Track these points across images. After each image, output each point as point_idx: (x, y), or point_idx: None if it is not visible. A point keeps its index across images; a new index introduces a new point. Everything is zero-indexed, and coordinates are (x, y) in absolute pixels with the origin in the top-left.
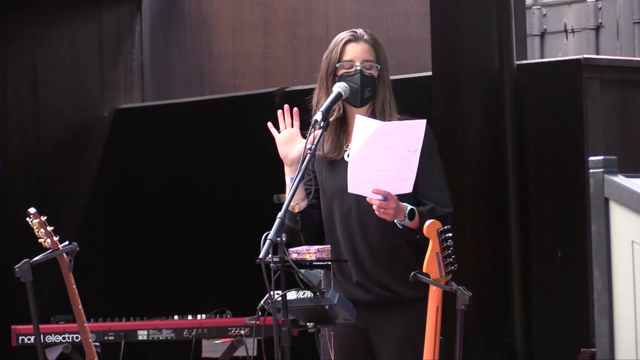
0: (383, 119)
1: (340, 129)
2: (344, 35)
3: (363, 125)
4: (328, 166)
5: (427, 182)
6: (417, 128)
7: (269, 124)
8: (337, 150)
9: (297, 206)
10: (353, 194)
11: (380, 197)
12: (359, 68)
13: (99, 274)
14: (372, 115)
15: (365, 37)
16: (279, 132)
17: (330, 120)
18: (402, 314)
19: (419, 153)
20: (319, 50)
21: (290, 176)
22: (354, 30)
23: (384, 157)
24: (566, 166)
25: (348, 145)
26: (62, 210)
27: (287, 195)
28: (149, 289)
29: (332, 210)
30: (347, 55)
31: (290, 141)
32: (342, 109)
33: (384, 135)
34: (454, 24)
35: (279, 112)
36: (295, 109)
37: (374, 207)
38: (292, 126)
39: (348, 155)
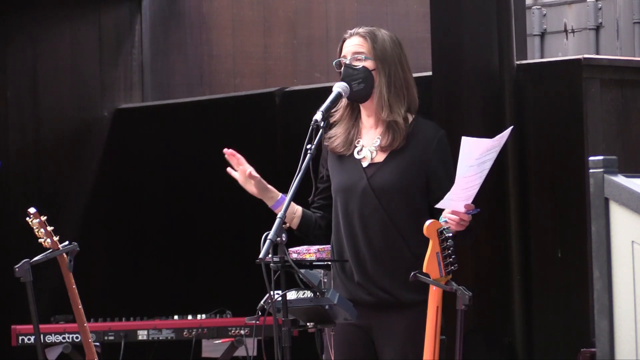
0: (380, 113)
1: (351, 124)
2: (345, 34)
3: (470, 146)
4: (336, 161)
5: (445, 188)
6: (506, 136)
7: (229, 170)
8: (346, 145)
9: (292, 224)
10: (359, 193)
11: (470, 211)
12: (347, 62)
13: (99, 274)
14: (376, 110)
15: (359, 31)
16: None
17: (336, 117)
18: (402, 315)
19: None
20: (319, 50)
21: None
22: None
23: (480, 172)
24: (566, 166)
25: (358, 141)
26: (62, 210)
27: (288, 196)
28: (149, 289)
29: (337, 207)
30: (342, 52)
31: (248, 177)
32: (348, 104)
33: (487, 150)
34: (454, 24)
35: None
36: (227, 151)
37: (455, 220)
38: (236, 169)
39: (358, 152)
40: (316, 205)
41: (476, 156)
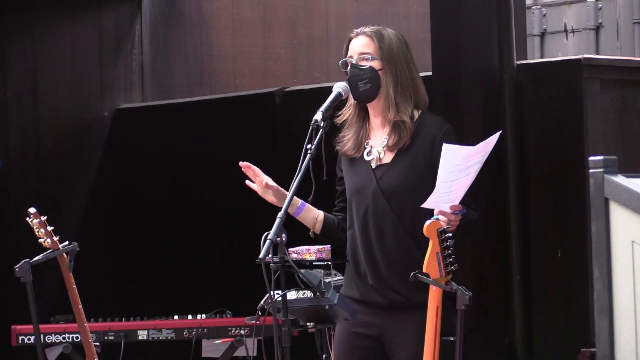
0: (387, 113)
1: (360, 126)
2: (351, 33)
3: (450, 153)
4: (348, 163)
5: None
6: (494, 141)
7: (247, 182)
8: (356, 147)
9: (314, 229)
10: (370, 196)
11: (457, 211)
12: (353, 62)
13: (99, 274)
14: (383, 110)
15: (366, 30)
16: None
17: (344, 118)
18: (414, 316)
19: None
20: (319, 50)
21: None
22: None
23: (465, 176)
24: (566, 166)
25: (367, 142)
26: (62, 210)
27: (288, 196)
28: (149, 289)
29: (351, 209)
30: (349, 52)
31: (265, 187)
32: (356, 105)
33: (469, 157)
34: (454, 24)
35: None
36: (242, 164)
37: (444, 220)
38: (254, 181)
39: (367, 154)
40: (337, 208)
41: (457, 162)
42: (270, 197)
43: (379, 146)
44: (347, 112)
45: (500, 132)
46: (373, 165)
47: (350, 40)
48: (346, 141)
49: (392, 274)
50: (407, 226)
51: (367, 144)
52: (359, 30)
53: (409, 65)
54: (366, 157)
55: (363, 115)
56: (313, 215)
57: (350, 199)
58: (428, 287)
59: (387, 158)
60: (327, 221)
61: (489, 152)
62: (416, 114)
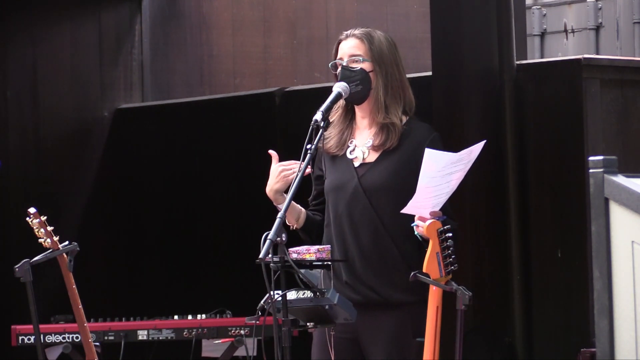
0: (376, 114)
1: (345, 125)
2: (340, 35)
3: (433, 159)
4: (330, 161)
5: None
6: (478, 150)
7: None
8: (339, 145)
9: (298, 222)
10: (350, 192)
11: (436, 218)
12: (344, 64)
13: (99, 274)
14: (372, 112)
15: (355, 32)
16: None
17: (331, 118)
18: (389, 316)
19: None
20: (319, 50)
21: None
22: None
23: (447, 182)
24: (566, 166)
25: (352, 141)
26: (62, 210)
27: (288, 196)
28: (149, 289)
29: (328, 206)
30: (338, 54)
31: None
32: (345, 105)
33: (452, 164)
34: (454, 24)
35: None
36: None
37: (423, 226)
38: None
39: (350, 152)
40: (316, 209)
41: (438, 168)
42: (278, 185)
43: (363, 146)
44: (335, 114)
45: (484, 141)
46: (356, 163)
47: (339, 43)
48: (329, 139)
49: (368, 271)
50: (386, 224)
51: (350, 143)
52: (348, 32)
53: (398, 68)
54: (349, 155)
55: (350, 117)
56: (297, 210)
57: (327, 196)
58: (405, 287)
59: (371, 157)
60: (310, 217)
61: (472, 160)
62: (404, 118)
